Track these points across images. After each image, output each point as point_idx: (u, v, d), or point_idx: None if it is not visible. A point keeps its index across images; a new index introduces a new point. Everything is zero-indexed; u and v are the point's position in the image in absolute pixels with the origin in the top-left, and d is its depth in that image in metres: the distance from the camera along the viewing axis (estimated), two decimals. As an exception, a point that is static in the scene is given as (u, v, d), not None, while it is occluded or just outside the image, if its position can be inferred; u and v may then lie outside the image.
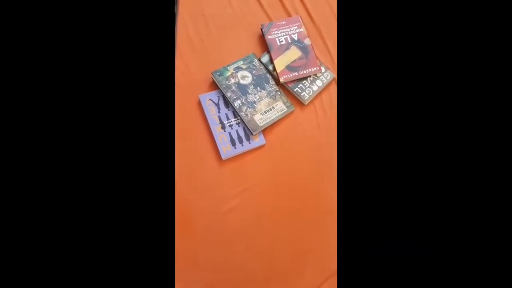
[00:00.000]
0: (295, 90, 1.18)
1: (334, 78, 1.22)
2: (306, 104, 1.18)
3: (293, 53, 1.23)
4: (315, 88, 1.19)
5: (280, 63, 1.20)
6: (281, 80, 1.17)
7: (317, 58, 1.23)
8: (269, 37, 1.24)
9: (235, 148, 1.08)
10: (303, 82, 1.20)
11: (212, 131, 1.10)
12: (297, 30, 1.26)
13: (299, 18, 1.29)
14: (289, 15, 1.32)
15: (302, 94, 1.18)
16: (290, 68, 1.20)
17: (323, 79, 1.21)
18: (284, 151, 1.12)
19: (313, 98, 1.19)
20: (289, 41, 1.24)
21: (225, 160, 1.08)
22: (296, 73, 1.20)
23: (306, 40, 1.25)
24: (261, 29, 1.26)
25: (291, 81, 1.19)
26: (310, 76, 1.21)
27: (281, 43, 1.24)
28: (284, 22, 1.27)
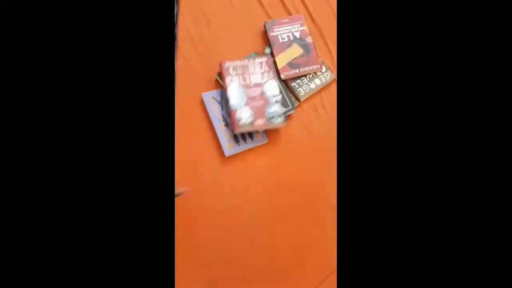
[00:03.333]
0: (292, 85, 1.21)
1: (334, 79, 1.24)
2: (301, 100, 1.20)
3: (295, 51, 1.25)
4: (312, 86, 1.21)
5: (282, 60, 1.22)
6: (282, 76, 1.19)
7: (318, 57, 1.25)
8: (271, 34, 1.26)
9: (238, 145, 1.10)
10: (301, 78, 1.22)
11: (215, 128, 1.11)
12: (299, 28, 1.28)
13: (302, 16, 1.31)
14: (290, 15, 1.33)
15: (298, 90, 1.20)
16: (291, 65, 1.22)
17: (322, 79, 1.23)
18: (286, 149, 1.14)
19: (312, 97, 1.21)
20: (291, 38, 1.27)
21: (228, 158, 1.09)
22: (297, 70, 1.22)
23: (308, 38, 1.27)
24: (264, 26, 1.28)
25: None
26: (310, 74, 1.23)
27: (283, 40, 1.26)
28: (287, 20, 1.29)
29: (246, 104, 1.10)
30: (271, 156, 1.12)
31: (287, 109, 1.15)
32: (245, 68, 1.15)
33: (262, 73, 1.16)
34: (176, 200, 1.01)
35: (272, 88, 1.14)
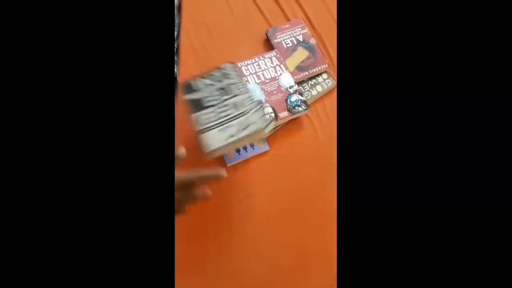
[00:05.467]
0: (293, 92, 1.21)
1: (335, 86, 1.24)
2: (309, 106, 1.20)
3: (301, 54, 1.26)
4: (314, 92, 1.21)
5: (290, 65, 1.23)
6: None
7: (324, 56, 1.26)
8: (275, 41, 1.27)
9: (239, 154, 1.10)
10: (303, 85, 1.22)
11: (217, 138, 1.12)
12: (301, 32, 1.30)
13: (301, 20, 1.32)
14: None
15: None
16: (300, 68, 1.24)
17: (323, 85, 1.23)
18: (288, 157, 1.13)
19: (314, 103, 1.21)
20: (295, 42, 1.28)
21: (229, 167, 1.10)
22: (306, 73, 1.23)
23: (311, 40, 1.29)
24: (266, 34, 1.29)
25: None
26: (311, 80, 1.23)
27: (288, 45, 1.27)
28: (287, 25, 1.30)
29: (266, 100, 1.14)
30: (273, 163, 1.12)
31: (301, 110, 1.15)
32: (256, 66, 1.18)
33: (274, 67, 1.19)
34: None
35: (288, 79, 1.18)
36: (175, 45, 1.29)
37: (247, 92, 1.01)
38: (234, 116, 0.94)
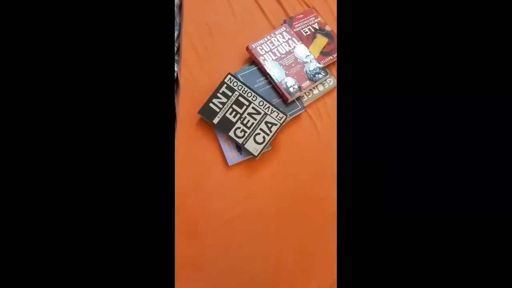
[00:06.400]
0: (295, 90, 1.21)
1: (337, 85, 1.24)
2: (304, 105, 1.20)
3: (321, 41, 1.30)
4: (315, 92, 1.21)
5: (314, 51, 1.27)
6: (321, 65, 1.23)
7: None
8: (294, 30, 1.30)
9: (241, 154, 1.10)
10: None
11: (218, 137, 1.11)
12: (315, 20, 1.33)
13: (313, 10, 1.35)
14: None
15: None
16: (323, 53, 1.27)
17: (325, 85, 1.22)
18: (289, 156, 1.13)
19: (315, 102, 1.21)
20: (312, 30, 1.31)
21: (231, 166, 1.09)
22: (331, 57, 1.27)
23: (326, 27, 1.32)
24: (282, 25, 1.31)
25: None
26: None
27: (307, 34, 1.30)
28: (301, 15, 1.33)
29: (286, 74, 1.18)
30: (274, 163, 1.12)
31: (297, 109, 1.17)
32: (270, 43, 1.22)
33: (287, 41, 1.24)
34: (180, 209, 1.01)
35: (302, 50, 1.23)
36: (176, 45, 1.29)
37: (257, 96, 1.12)
38: (258, 121, 1.10)
